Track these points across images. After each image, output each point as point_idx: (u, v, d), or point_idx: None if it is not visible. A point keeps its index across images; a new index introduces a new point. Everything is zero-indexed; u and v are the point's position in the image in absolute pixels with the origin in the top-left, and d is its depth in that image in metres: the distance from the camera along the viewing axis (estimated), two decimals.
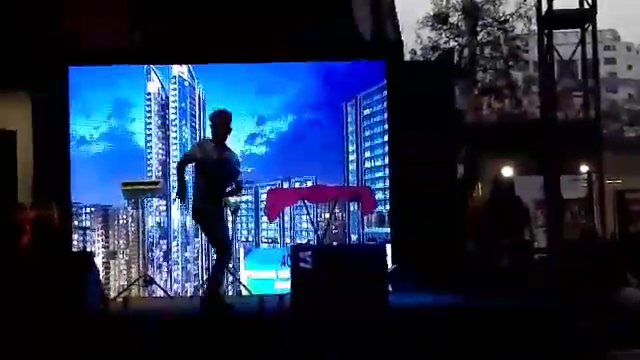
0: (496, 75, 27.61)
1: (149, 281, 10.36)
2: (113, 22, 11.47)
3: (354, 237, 10.77)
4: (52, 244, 9.88)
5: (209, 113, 8.83)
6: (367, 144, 10.83)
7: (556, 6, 15.75)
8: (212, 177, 8.37)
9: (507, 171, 15.08)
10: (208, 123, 8.67)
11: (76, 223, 10.63)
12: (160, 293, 10.37)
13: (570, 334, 7.69)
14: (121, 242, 10.67)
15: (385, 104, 10.82)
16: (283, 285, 10.00)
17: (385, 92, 10.84)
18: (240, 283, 10.47)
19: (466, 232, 10.79)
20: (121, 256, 10.71)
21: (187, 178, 8.38)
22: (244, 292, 10.36)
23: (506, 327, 7.72)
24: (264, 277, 10.59)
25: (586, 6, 15.83)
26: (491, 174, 13.74)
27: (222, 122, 8.54)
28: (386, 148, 10.82)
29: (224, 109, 8.63)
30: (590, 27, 16.06)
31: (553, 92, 16.09)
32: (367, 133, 10.88)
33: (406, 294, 9.36)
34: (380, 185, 10.81)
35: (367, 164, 10.86)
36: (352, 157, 10.79)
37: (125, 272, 10.63)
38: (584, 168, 16.27)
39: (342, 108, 10.83)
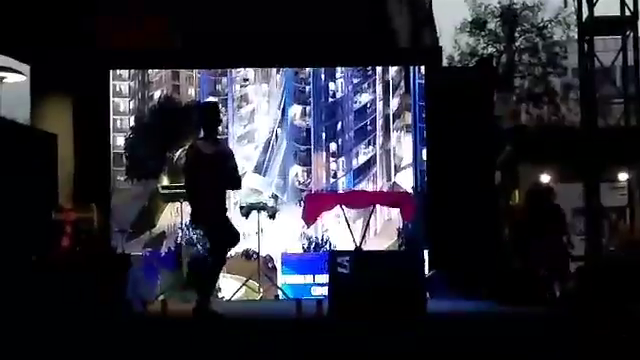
0: (534, 81, 27.44)
1: None
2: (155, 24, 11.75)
3: None
4: (92, 246, 10.00)
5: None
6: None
7: (597, 12, 15.64)
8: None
9: (545, 178, 14.95)
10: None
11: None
12: None
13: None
14: None
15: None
16: (320, 290, 10.10)
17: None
18: (277, 287, 10.52)
19: (503, 238, 10.74)
20: None
21: None
22: (281, 296, 10.41)
23: (540, 333, 7.67)
24: (301, 282, 10.66)
25: (627, 13, 15.70)
26: (529, 181, 13.65)
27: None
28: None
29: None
30: (631, 34, 15.93)
31: (593, 99, 15.95)
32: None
33: (444, 299, 9.36)
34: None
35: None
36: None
37: None
38: (623, 176, 16.08)
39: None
